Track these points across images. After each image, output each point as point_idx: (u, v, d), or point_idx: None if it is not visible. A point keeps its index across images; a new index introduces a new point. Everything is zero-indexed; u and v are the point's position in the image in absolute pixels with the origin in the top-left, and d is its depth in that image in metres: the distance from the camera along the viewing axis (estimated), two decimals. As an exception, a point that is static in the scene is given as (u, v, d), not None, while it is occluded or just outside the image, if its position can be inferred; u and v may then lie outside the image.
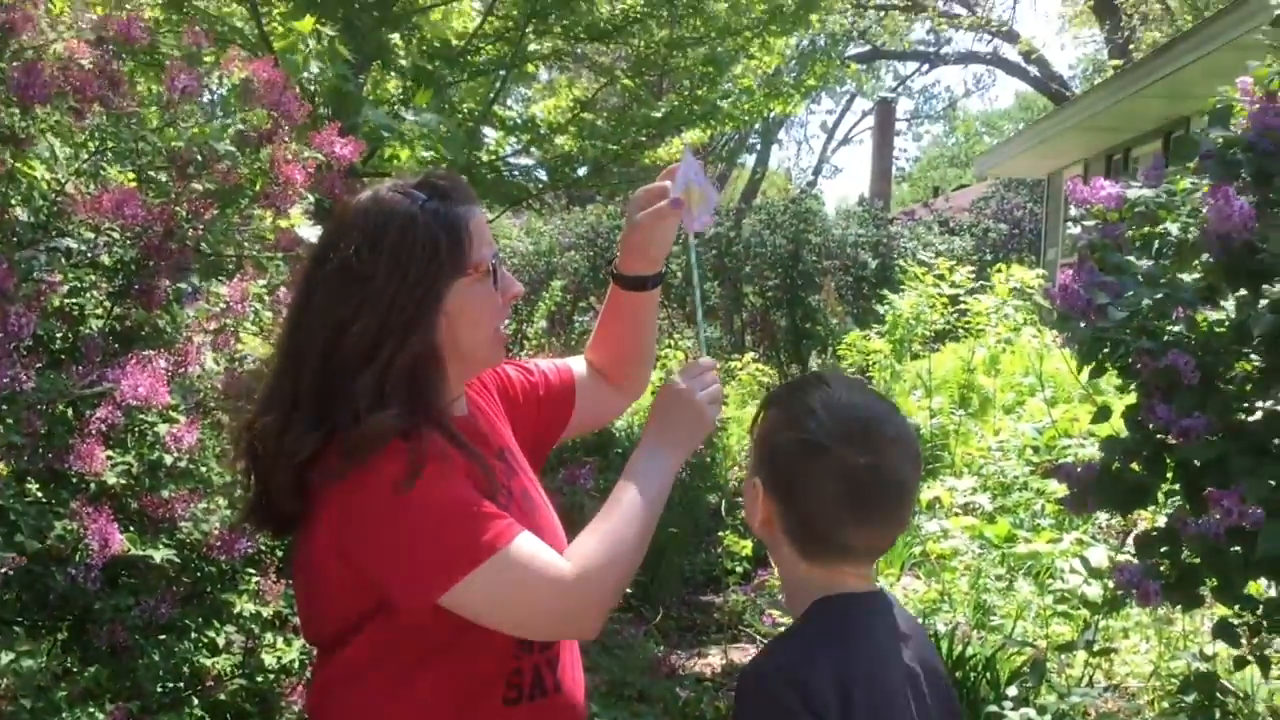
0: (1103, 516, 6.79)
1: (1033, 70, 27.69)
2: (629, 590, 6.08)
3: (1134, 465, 3.61)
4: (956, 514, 7.98)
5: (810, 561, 1.98)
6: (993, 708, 5.41)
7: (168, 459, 2.92)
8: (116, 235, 3.01)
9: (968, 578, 7.09)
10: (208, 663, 3.01)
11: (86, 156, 3.14)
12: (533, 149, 8.30)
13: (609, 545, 2.05)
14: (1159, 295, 3.37)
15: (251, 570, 3.18)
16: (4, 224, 2.97)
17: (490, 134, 7.88)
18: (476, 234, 2.14)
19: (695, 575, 8.65)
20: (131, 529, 2.76)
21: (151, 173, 3.28)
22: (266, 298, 3.34)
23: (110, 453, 2.73)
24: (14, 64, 2.97)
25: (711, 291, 20.37)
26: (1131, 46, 21.06)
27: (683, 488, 8.62)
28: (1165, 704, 5.41)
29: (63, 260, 2.97)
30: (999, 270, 13.97)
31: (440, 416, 2.09)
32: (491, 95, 8.12)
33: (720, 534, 8.44)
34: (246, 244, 3.37)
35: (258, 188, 3.26)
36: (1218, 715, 4.95)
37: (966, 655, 6.01)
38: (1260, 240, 3.08)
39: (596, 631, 2.14)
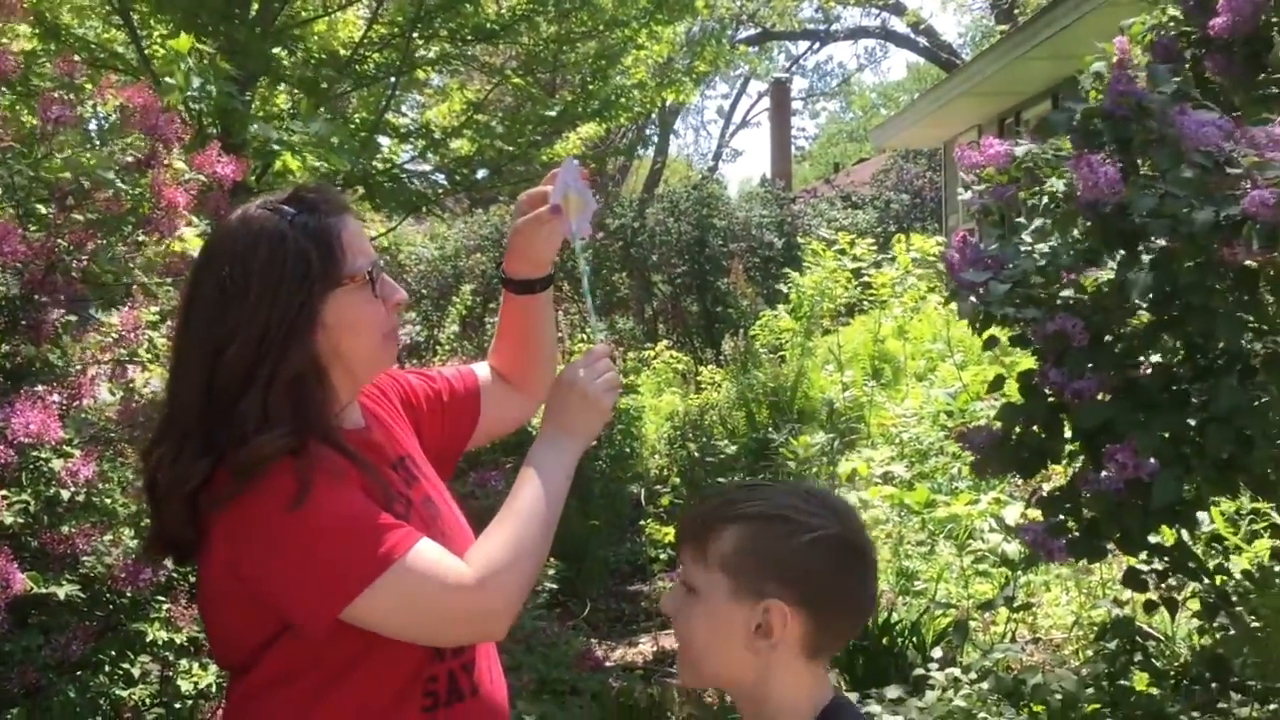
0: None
1: (922, 41, 27.92)
2: (554, 586, 6.08)
3: (1035, 428, 3.66)
4: (876, 484, 8.04)
5: (812, 672, 1.93)
6: (919, 670, 5.45)
7: (65, 494, 2.88)
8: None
9: (890, 545, 7.15)
10: (124, 694, 2.98)
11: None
12: (429, 154, 8.25)
13: (511, 544, 2.04)
14: (1041, 263, 3.41)
15: (162, 598, 3.14)
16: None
17: (385, 142, 7.83)
18: (350, 244, 2.12)
19: (620, 566, 8.66)
20: (33, 568, 2.72)
21: (36, 205, 3.23)
22: (161, 325, 3.30)
23: (5, 492, 2.70)
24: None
25: (621, 282, 20.40)
26: (1016, 10, 21.26)
27: (603, 479, 8.63)
28: (1089, 652, 5.48)
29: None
30: (899, 241, 14.10)
31: (328, 430, 2.07)
32: (383, 103, 8.06)
33: (642, 523, 8.47)
34: (137, 271, 3.32)
35: (143, 213, 3.23)
36: (1139, 658, 5.03)
37: (892, 621, 6.07)
38: (1128, 204, 3.12)
39: (503, 633, 2.13)
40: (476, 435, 2.55)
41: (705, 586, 1.89)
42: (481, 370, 2.59)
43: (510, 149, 8.13)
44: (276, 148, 6.12)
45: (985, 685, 5.15)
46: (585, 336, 15.79)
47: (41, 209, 3.16)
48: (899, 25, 28.55)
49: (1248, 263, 3.17)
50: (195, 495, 1.99)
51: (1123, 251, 3.29)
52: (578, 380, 2.14)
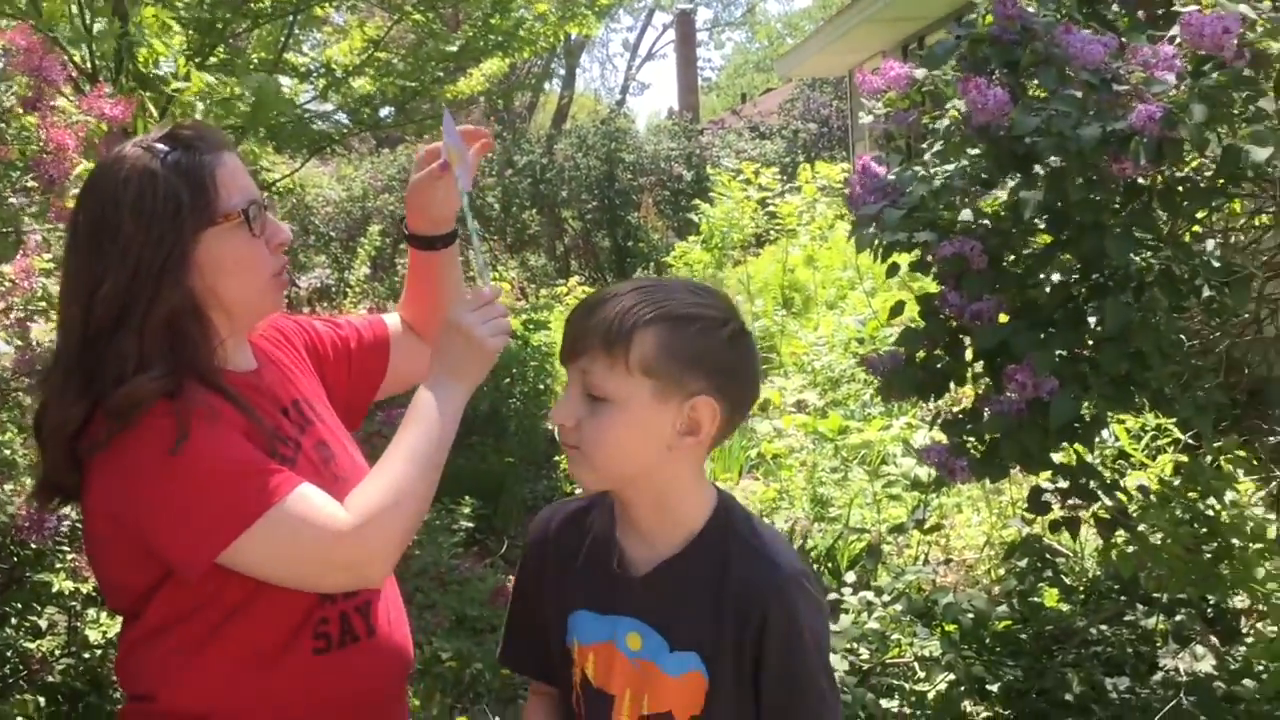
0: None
1: (826, -31, 27.92)
2: (471, 524, 6.06)
3: (936, 351, 3.70)
4: (789, 413, 8.10)
5: (704, 466, 2.01)
6: (834, 595, 5.51)
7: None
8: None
9: (804, 473, 7.21)
10: (32, 646, 2.96)
11: None
12: (330, 94, 8.14)
13: (391, 489, 2.02)
14: (937, 186, 3.43)
15: (66, 548, 3.11)
16: None
17: (286, 82, 7.70)
18: (226, 182, 2.09)
19: (537, 503, 8.67)
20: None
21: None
22: (54, 273, 3.25)
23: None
24: None
25: (531, 220, 20.36)
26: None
27: (518, 416, 8.63)
28: (1000, 571, 5.57)
29: None
30: (805, 170, 14.16)
31: (206, 371, 2.05)
32: (282, 42, 7.95)
33: (557, 459, 8.47)
34: (27, 219, 3.27)
35: (30, 156, 3.17)
36: (1048, 575, 5.13)
37: (807, 548, 6.13)
38: (1017, 127, 3.15)
39: (381, 579, 2.14)
40: (386, 385, 2.54)
41: (622, 393, 1.87)
42: (391, 320, 2.58)
43: (413, 85, 8.07)
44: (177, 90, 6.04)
45: (899, 607, 5.22)
46: (498, 274, 15.75)
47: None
48: (803, -47, 28.51)
49: (1138, 179, 3.22)
50: (75, 438, 1.99)
51: (1017, 174, 3.32)
52: (463, 323, 2.08)
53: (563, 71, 30.17)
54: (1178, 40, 3.08)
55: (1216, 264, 3.44)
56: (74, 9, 6.45)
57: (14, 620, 2.95)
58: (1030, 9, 3.51)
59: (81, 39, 6.41)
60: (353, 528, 1.98)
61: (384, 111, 8.86)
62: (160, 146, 2.07)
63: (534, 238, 20.72)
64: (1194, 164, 3.68)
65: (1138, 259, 3.42)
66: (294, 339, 2.40)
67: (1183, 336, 3.68)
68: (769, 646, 1.87)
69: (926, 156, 3.71)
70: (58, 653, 3.02)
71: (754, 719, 1.90)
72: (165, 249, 2.03)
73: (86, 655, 3.08)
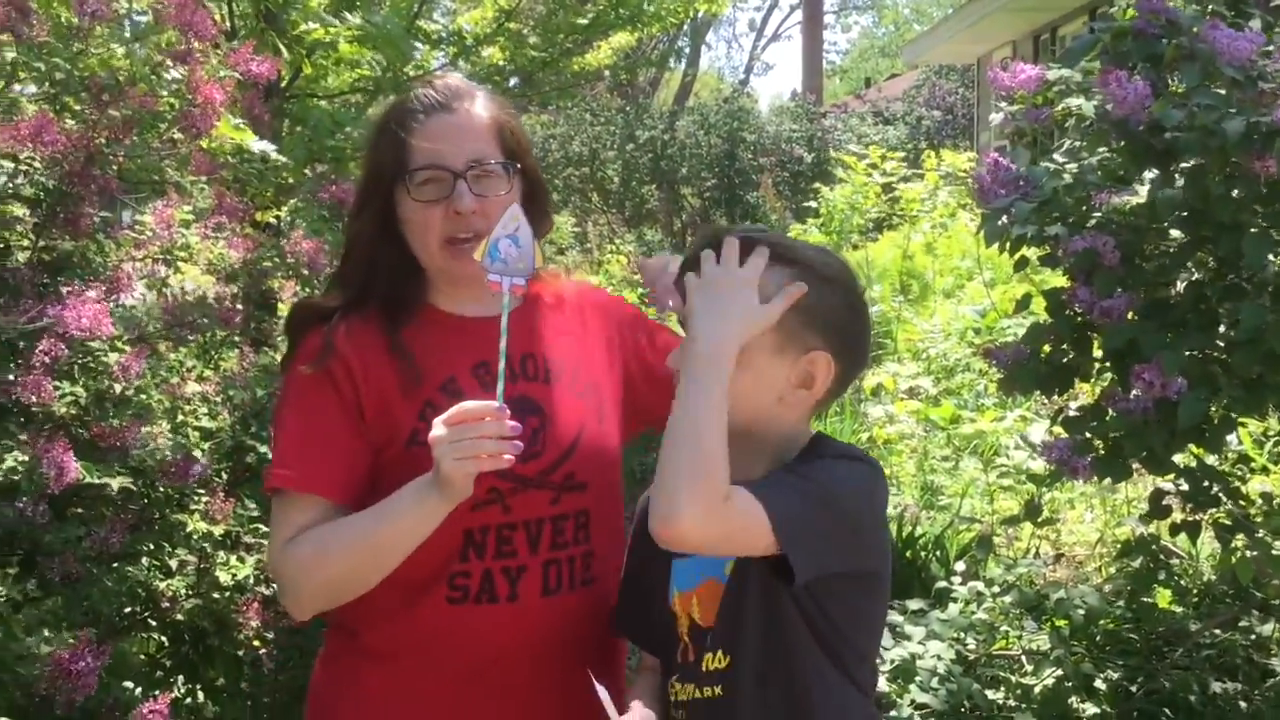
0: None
1: (959, -45, 27.62)
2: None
3: (1063, 346, 3.66)
4: (901, 398, 8.06)
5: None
6: (943, 583, 5.48)
7: (116, 388, 2.92)
8: (37, 165, 2.98)
9: (915, 460, 7.19)
10: (162, 585, 3.02)
11: (2, 88, 3.11)
12: (460, 61, 8.19)
13: (317, 561, 2.05)
14: (1069, 181, 3.40)
15: (201, 491, 3.18)
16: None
17: (418, 48, 7.78)
18: (420, 145, 2.12)
19: (646, 474, 8.68)
20: (84, 459, 2.76)
21: (69, 99, 3.23)
22: (194, 224, 3.32)
23: (57, 384, 2.72)
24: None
25: (650, 195, 20.39)
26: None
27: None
28: (1112, 569, 5.51)
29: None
30: (930, 157, 14.03)
31: (388, 300, 2.17)
32: (415, 8, 8.01)
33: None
34: (170, 169, 3.33)
35: (182, 108, 3.23)
36: (1161, 576, 5.06)
37: (916, 535, 6.10)
38: (1158, 120, 3.10)
39: (296, 613, 2.16)
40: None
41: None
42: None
43: (542, 57, 8.08)
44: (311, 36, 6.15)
45: (1008, 599, 5.19)
46: (614, 247, 15.78)
47: (76, 105, 3.16)
48: (936, -62, 28.23)
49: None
50: None
51: (1153, 171, 3.28)
52: (431, 436, 1.93)
53: (688, 49, 30.14)
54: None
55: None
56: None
57: (145, 559, 3.01)
58: (1174, 4, 3.47)
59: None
60: (275, 562, 2.12)
61: (512, 81, 8.88)
62: (405, 104, 2.19)
63: (651, 213, 20.79)
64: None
65: (1275, 261, 3.36)
66: (612, 315, 2.37)
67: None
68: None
69: (1057, 155, 3.67)
70: (186, 592, 3.07)
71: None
72: (368, 195, 2.20)
73: (215, 596, 3.13)
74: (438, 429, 1.90)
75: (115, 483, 2.84)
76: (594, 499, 2.17)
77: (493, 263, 1.99)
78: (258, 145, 3.66)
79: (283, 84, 5.66)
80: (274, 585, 3.13)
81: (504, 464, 1.90)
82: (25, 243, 3.05)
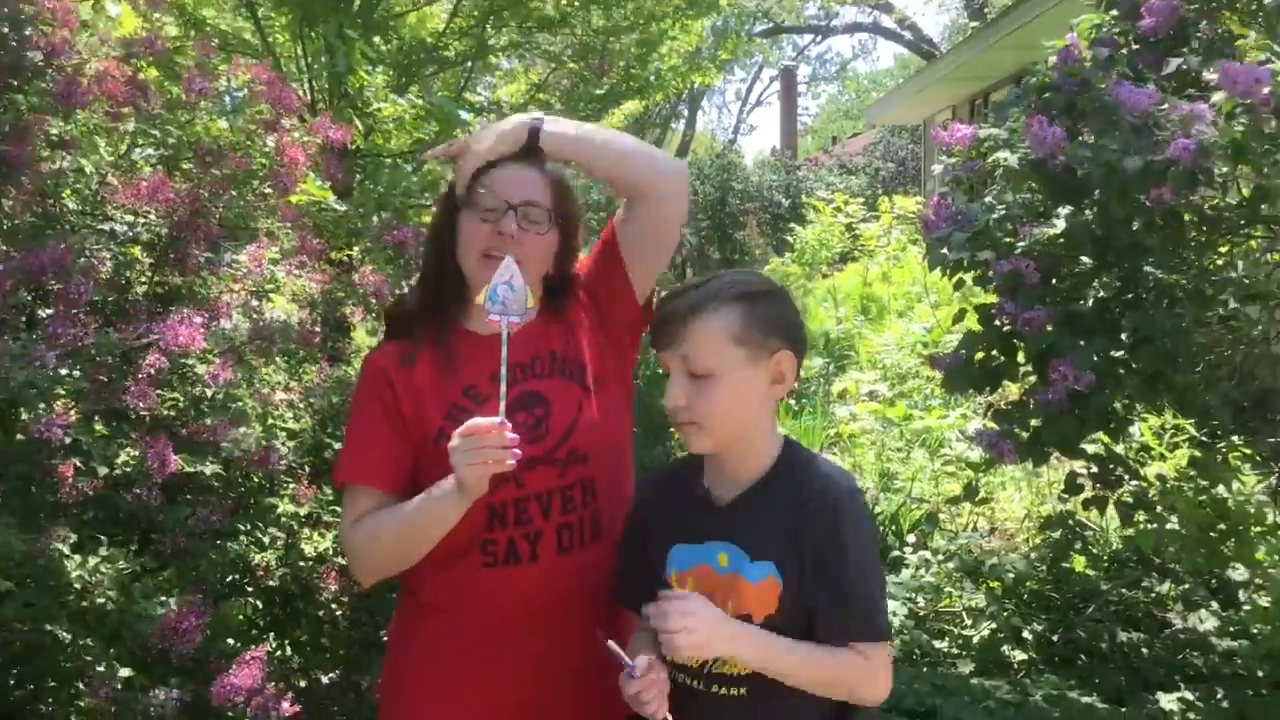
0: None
1: (907, 35, 27.55)
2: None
3: (994, 352, 3.68)
4: (863, 400, 8.07)
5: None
6: (897, 553, 5.50)
7: (208, 393, 2.93)
8: (153, 216, 3.00)
9: (874, 451, 7.18)
10: (257, 558, 3.03)
11: (123, 152, 3.12)
12: (500, 126, 8.21)
13: (373, 538, 2.12)
14: (996, 217, 3.42)
15: (288, 479, 3.19)
16: (59, 214, 2.96)
17: (465, 115, 7.80)
18: (489, 182, 2.14)
19: (655, 468, 8.70)
20: (182, 452, 2.77)
21: (180, 161, 3.25)
22: (280, 262, 3.33)
23: (160, 392, 2.74)
24: (57, 78, 2.96)
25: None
26: (985, 9, 20.97)
27: (639, 394, 8.63)
28: (1036, 540, 5.52)
29: (109, 240, 2.97)
30: (885, 201, 14.04)
31: (438, 319, 2.22)
32: (462, 83, 8.04)
33: (671, 429, 8.48)
34: (262, 218, 3.35)
35: (272, 169, 3.25)
36: (1077, 546, 5.07)
37: (875, 513, 6.10)
38: (1071, 160, 3.12)
39: (363, 584, 2.32)
40: (637, 259, 2.30)
41: (722, 364, 1.92)
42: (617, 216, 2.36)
43: (567, 121, 8.12)
44: (384, 119, 6.17)
45: (951, 565, 5.20)
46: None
47: (185, 165, 3.18)
48: (888, 21, 28.20)
49: (1173, 207, 3.18)
50: None
51: (1067, 206, 3.30)
52: (450, 445, 1.96)
53: (686, 113, 30.15)
54: (1218, 81, 3.03)
55: (1247, 280, 3.40)
56: (298, 50, 6.60)
57: (243, 536, 3.02)
58: (1088, 63, 3.49)
59: (304, 73, 6.56)
60: (344, 540, 2.19)
61: (541, 142, 8.88)
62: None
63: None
64: (1216, 202, 3.62)
65: (1169, 277, 3.38)
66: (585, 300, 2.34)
67: (1205, 345, 3.63)
68: (829, 544, 1.89)
69: (988, 197, 3.70)
70: (276, 563, 3.08)
71: (811, 617, 1.92)
72: (439, 221, 2.25)
73: (301, 566, 3.14)
74: (454, 441, 1.94)
75: (209, 469, 2.86)
76: (596, 467, 2.18)
77: (493, 305, 1.99)
78: (335, 202, 3.72)
79: (354, 146, 5.68)
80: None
81: (507, 468, 1.93)
82: (143, 279, 3.07)
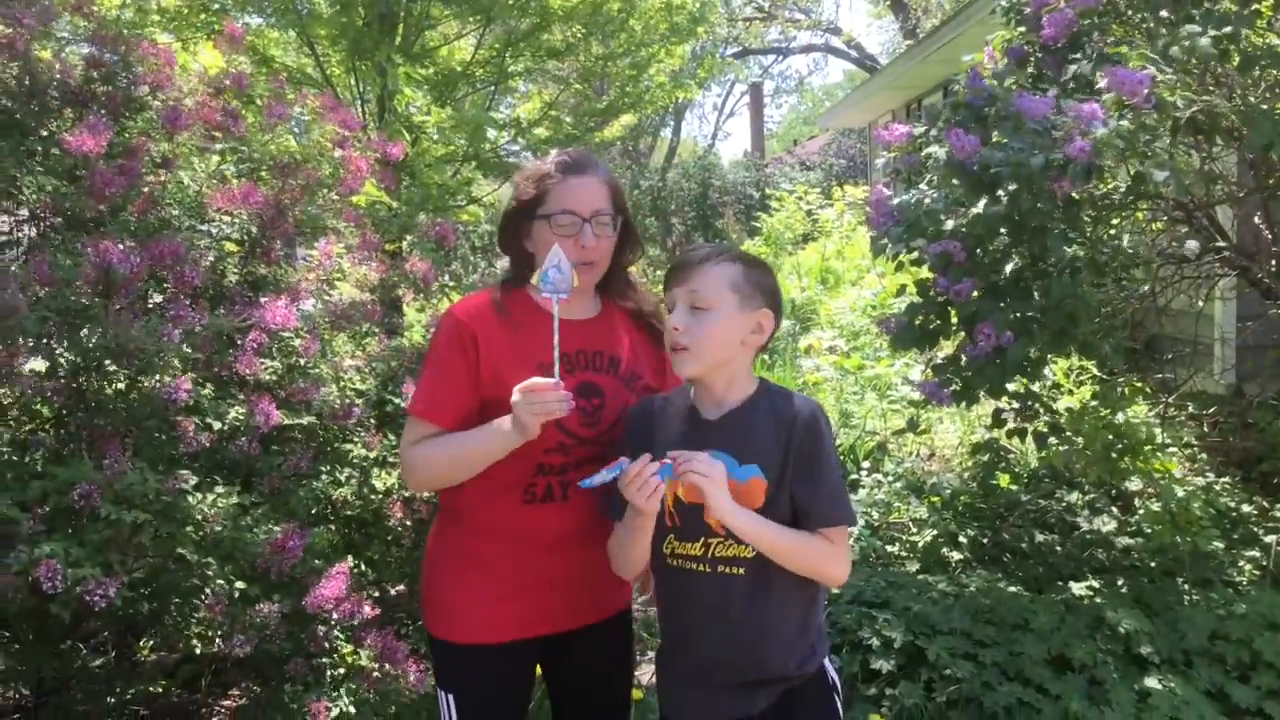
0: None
1: (853, 53, 27.37)
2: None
3: (930, 317, 3.70)
4: (824, 354, 8.09)
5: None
6: (854, 476, 5.53)
7: (301, 362, 2.97)
8: (244, 217, 3.02)
9: (834, 395, 7.20)
10: (336, 493, 3.06)
11: (214, 169, 3.14)
12: (519, 139, 8.19)
13: (430, 458, 2.13)
14: (925, 211, 3.43)
15: (360, 429, 3.23)
16: (168, 220, 2.99)
17: (491, 132, 7.79)
18: (561, 194, 2.15)
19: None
20: (281, 408, 2.81)
21: (261, 173, 3.28)
22: (346, 254, 3.36)
23: (264, 360, 2.77)
24: (162, 109, 2.98)
25: (650, 224, 20.32)
26: (917, 30, 20.84)
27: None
28: (969, 462, 5.55)
29: (207, 237, 3.00)
30: (838, 191, 13.99)
31: (510, 289, 2.24)
32: (487, 104, 8.03)
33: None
34: (330, 219, 3.37)
35: (337, 177, 3.27)
36: (1001, 466, 5.11)
37: (837, 444, 6.13)
38: (986, 160, 3.14)
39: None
40: None
41: (719, 301, 1.99)
42: None
43: (575, 133, 8.10)
44: (426, 130, 6.19)
45: (899, 485, 5.24)
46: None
47: (264, 176, 3.20)
48: (837, 42, 28.01)
49: (1072, 195, 3.19)
50: None
51: (985, 197, 3.31)
52: (513, 399, 2.00)
53: (672, 123, 29.98)
54: (1106, 85, 3.04)
55: (1131, 250, 3.41)
56: (351, 80, 6.60)
57: (324, 476, 3.06)
58: (992, 83, 3.50)
59: (356, 99, 6.56)
60: (404, 454, 2.17)
61: (554, 150, 8.87)
62: (544, 163, 2.21)
63: (651, 236, 20.69)
64: (1109, 186, 3.63)
65: (1070, 251, 3.39)
66: (649, 336, 2.34)
67: (1100, 303, 3.65)
68: (805, 448, 1.96)
69: (922, 185, 3.71)
70: (351, 498, 3.12)
71: (792, 507, 1.98)
72: (510, 221, 2.23)
73: (372, 498, 3.17)
74: (516, 395, 1.98)
75: (305, 421, 2.90)
76: None
77: (544, 284, 2.05)
78: (391, 202, 3.75)
79: (403, 157, 5.70)
80: (410, 490, 3.21)
81: (563, 414, 1.98)
82: (234, 268, 3.10)
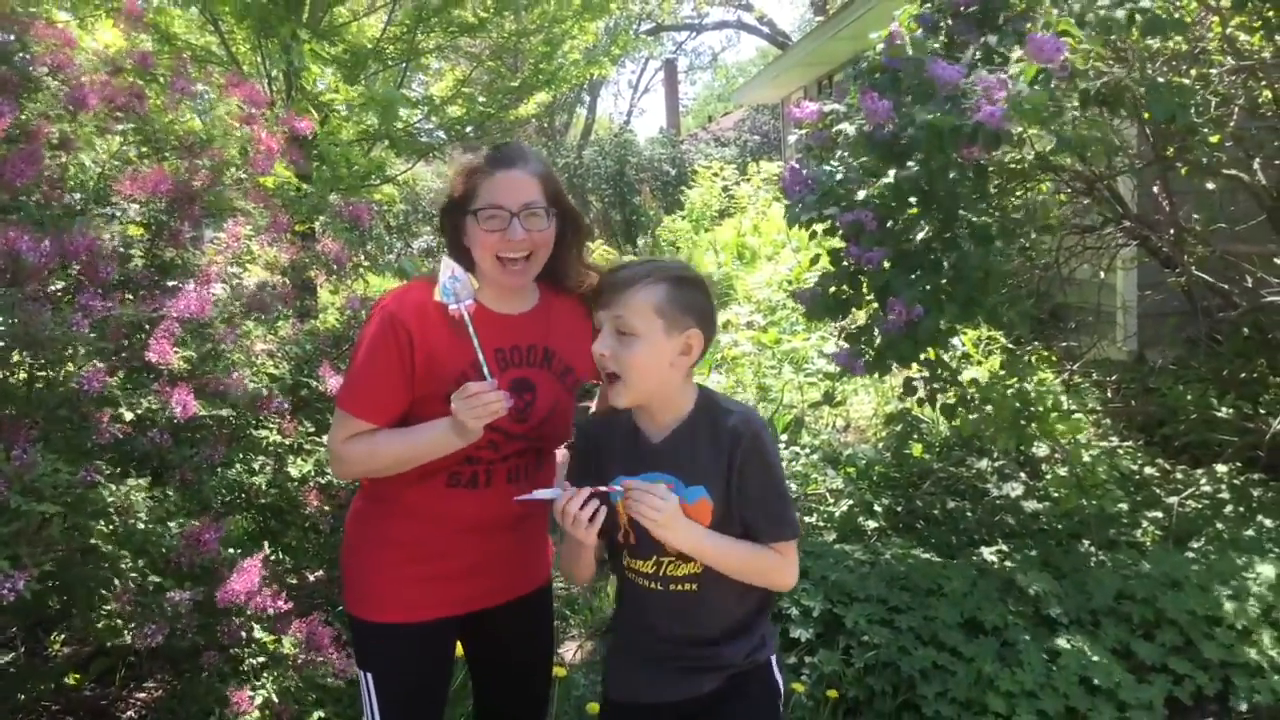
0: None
1: (765, 30, 27.50)
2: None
3: (843, 287, 3.74)
4: (742, 329, 8.13)
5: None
6: (773, 450, 5.54)
7: (222, 348, 2.90)
8: (157, 204, 2.93)
9: (752, 369, 7.25)
10: (250, 481, 3.01)
11: (118, 148, 3.04)
12: (433, 117, 8.08)
13: (371, 454, 2.11)
14: (838, 179, 3.46)
15: (276, 417, 3.17)
16: (71, 207, 2.89)
17: (403, 110, 7.66)
18: (488, 189, 2.10)
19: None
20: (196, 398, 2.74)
21: (165, 153, 3.18)
22: (254, 237, 3.28)
23: (177, 349, 2.69)
24: (64, 89, 2.88)
25: (567, 201, 20.21)
26: (827, 6, 20.99)
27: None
28: (883, 433, 5.64)
29: (114, 221, 2.91)
30: (753, 167, 14.06)
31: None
32: (398, 82, 7.90)
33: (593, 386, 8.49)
34: (238, 200, 3.29)
35: (246, 156, 3.19)
36: (914, 435, 5.19)
37: (754, 419, 6.18)
38: (897, 128, 3.17)
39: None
40: None
41: (645, 328, 1.95)
42: None
43: (489, 111, 8.00)
44: (336, 108, 6.07)
45: (816, 456, 5.29)
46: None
47: (168, 157, 3.11)
48: (749, 18, 28.10)
49: (980, 161, 3.24)
50: None
51: (895, 165, 3.35)
52: (452, 405, 2.01)
53: (588, 100, 29.84)
54: (1019, 56, 3.08)
55: (1040, 212, 3.47)
56: (257, 58, 6.43)
57: (238, 465, 3.00)
58: (909, 50, 3.53)
59: (263, 76, 6.40)
60: (334, 449, 2.14)
61: (468, 129, 8.78)
62: (474, 157, 2.14)
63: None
64: (1016, 156, 3.70)
65: (979, 219, 3.45)
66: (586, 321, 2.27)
67: (1008, 273, 3.72)
68: (748, 468, 1.95)
69: (834, 161, 3.74)
70: (266, 486, 3.06)
71: (740, 526, 1.98)
72: (445, 217, 2.18)
73: (287, 486, 3.12)
74: (456, 400, 1.99)
75: (224, 412, 2.84)
76: (554, 440, 2.25)
77: (447, 298, 2.04)
78: (300, 183, 3.66)
79: (311, 135, 5.58)
80: (326, 476, 3.16)
81: (503, 414, 2.01)
82: (140, 253, 3.01)
